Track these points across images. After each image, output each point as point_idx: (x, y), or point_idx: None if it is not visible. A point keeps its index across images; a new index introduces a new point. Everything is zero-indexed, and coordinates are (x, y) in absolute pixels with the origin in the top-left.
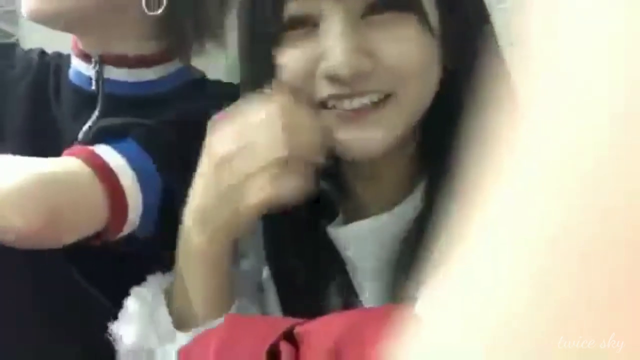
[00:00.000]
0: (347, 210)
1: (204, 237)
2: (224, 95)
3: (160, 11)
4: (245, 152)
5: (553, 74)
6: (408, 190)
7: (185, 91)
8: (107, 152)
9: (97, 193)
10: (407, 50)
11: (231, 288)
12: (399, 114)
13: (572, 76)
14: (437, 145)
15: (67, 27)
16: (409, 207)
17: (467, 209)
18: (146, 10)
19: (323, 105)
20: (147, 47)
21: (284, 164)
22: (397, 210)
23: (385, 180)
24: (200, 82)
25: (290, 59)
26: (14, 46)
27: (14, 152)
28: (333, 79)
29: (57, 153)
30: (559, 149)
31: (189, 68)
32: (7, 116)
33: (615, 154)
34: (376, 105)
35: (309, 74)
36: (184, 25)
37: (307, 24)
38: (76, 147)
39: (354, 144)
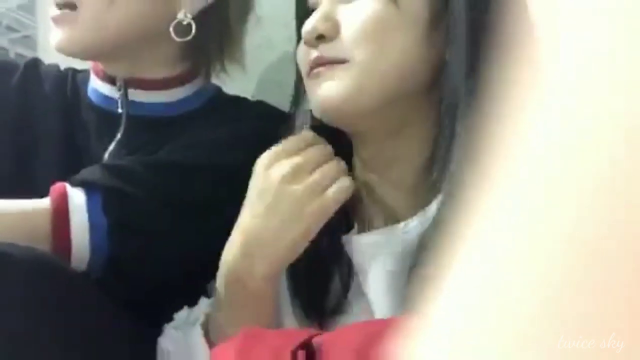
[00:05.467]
0: (362, 220)
1: (257, 268)
2: (245, 114)
3: (189, 37)
4: (306, 168)
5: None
6: (423, 202)
7: (207, 111)
8: (76, 195)
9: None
10: (360, 20)
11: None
12: (349, 76)
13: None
14: (451, 156)
15: (95, 58)
16: (423, 218)
17: (476, 215)
18: (175, 37)
19: (309, 76)
20: (171, 70)
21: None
22: (411, 221)
23: (399, 189)
24: (221, 100)
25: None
26: (38, 61)
27: (50, 169)
28: (305, 42)
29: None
30: (570, 152)
31: (207, 86)
32: (41, 131)
33: (627, 156)
34: (331, 65)
35: (303, 46)
36: (209, 48)
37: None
38: (59, 187)
39: (314, 101)
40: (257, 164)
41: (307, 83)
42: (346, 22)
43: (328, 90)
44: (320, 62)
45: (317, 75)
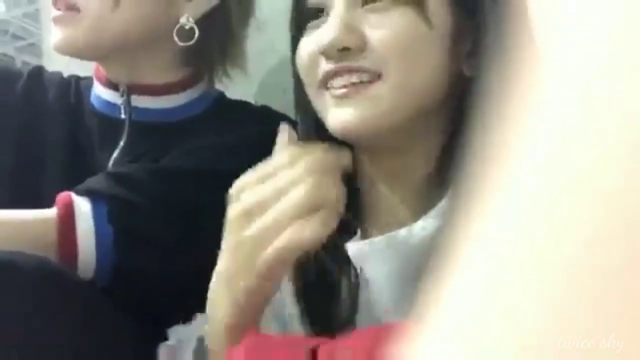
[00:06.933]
0: (365, 227)
1: (229, 302)
2: (249, 119)
3: (192, 42)
4: (270, 202)
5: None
6: (427, 207)
7: (210, 116)
8: (81, 204)
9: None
10: (394, 34)
11: None
12: (384, 96)
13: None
14: (458, 161)
15: (93, 58)
16: (427, 223)
17: (480, 216)
18: (178, 42)
19: (324, 86)
20: (174, 75)
21: (308, 215)
22: (414, 226)
23: (404, 197)
24: (224, 105)
25: (305, 44)
26: (42, 69)
27: (55, 176)
28: (324, 54)
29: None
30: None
31: (210, 91)
32: (46, 138)
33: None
34: (364, 85)
35: (314, 56)
36: (212, 52)
37: (324, 15)
38: (64, 197)
39: (340, 122)
40: (230, 191)
41: (323, 94)
42: (374, 35)
43: (359, 114)
44: (346, 71)
45: (343, 96)
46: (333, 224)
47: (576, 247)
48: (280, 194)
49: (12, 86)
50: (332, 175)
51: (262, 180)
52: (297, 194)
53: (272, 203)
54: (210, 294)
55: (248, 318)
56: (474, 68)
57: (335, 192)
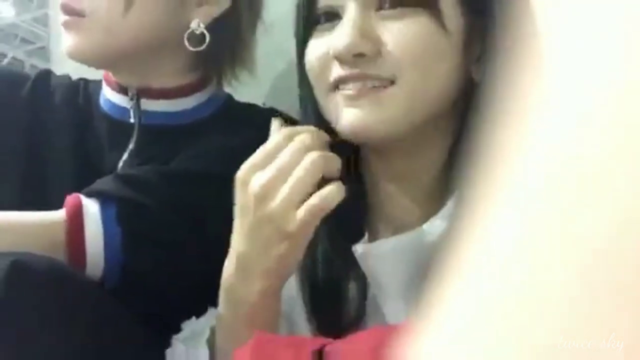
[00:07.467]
0: (373, 229)
1: (251, 284)
2: (257, 121)
3: (203, 47)
4: (283, 178)
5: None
6: (435, 209)
7: (218, 119)
8: (90, 206)
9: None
10: (410, 40)
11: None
12: (398, 100)
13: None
14: (464, 164)
15: (106, 65)
16: (434, 226)
17: (483, 219)
18: (189, 47)
19: (335, 88)
20: (183, 78)
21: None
22: (422, 229)
23: (412, 199)
24: (232, 107)
25: (315, 47)
26: (49, 73)
27: (63, 180)
28: (338, 59)
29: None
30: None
31: (218, 94)
32: (53, 142)
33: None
34: (377, 89)
35: (326, 59)
36: (221, 56)
37: (335, 18)
38: (73, 198)
39: (351, 123)
40: (236, 178)
41: (334, 96)
42: (389, 41)
43: (371, 116)
44: (358, 79)
45: (356, 97)
46: (344, 191)
47: (579, 249)
48: (289, 170)
49: (19, 90)
50: (325, 149)
51: (266, 162)
52: (304, 167)
53: (285, 178)
54: (231, 275)
55: (279, 283)
56: (482, 72)
57: (336, 163)
